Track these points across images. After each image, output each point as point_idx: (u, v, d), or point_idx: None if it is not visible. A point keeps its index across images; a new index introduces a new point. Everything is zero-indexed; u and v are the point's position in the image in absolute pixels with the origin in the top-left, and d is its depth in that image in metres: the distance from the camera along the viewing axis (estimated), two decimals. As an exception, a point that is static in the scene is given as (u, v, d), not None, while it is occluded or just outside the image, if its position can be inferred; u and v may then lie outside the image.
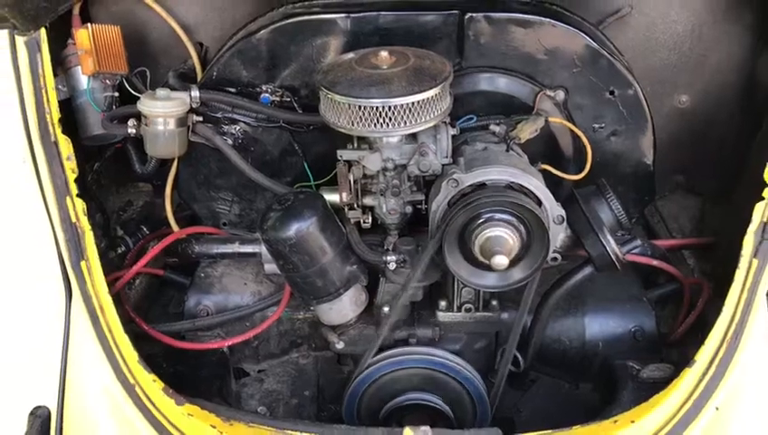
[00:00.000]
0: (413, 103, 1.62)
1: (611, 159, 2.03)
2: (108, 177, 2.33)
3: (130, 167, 2.18)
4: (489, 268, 1.66)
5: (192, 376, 1.98)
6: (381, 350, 1.88)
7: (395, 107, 1.61)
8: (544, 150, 1.97)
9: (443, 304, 1.91)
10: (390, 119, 1.63)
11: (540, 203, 1.70)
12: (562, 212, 1.71)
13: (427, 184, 1.83)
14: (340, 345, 1.93)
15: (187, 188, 2.14)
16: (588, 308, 2.01)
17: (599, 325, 2.01)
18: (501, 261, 1.61)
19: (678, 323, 2.05)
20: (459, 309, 1.91)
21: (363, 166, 1.76)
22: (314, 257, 1.76)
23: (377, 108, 1.61)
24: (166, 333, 1.99)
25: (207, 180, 2.12)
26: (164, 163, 2.16)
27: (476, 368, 1.94)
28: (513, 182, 1.68)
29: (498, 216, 1.64)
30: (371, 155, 1.74)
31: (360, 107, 1.62)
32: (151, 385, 1.68)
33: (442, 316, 1.92)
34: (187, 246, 2.08)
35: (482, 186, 1.68)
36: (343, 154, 1.76)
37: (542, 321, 1.92)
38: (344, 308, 1.87)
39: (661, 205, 2.46)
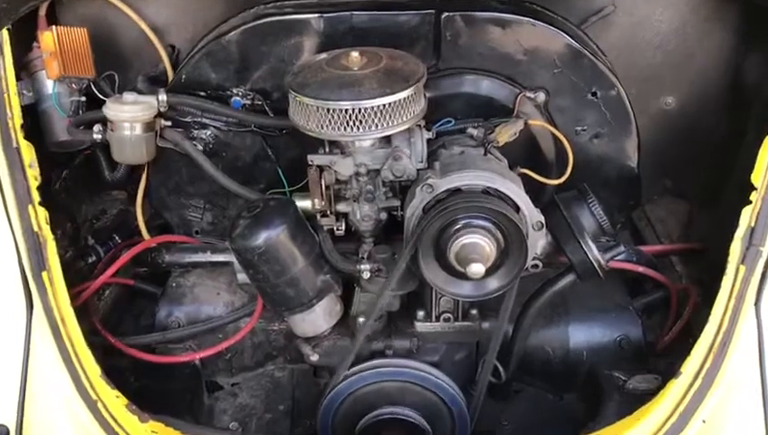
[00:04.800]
0: (384, 105, 1.55)
1: (594, 162, 1.97)
2: (78, 184, 2.26)
3: (100, 174, 2.11)
4: (465, 277, 1.59)
5: (162, 390, 1.92)
6: (357, 362, 1.81)
7: (365, 109, 1.55)
8: (525, 154, 1.91)
9: (421, 313, 1.85)
10: (361, 122, 1.56)
11: (518, 209, 1.63)
12: (541, 218, 1.65)
13: (402, 190, 1.77)
14: (314, 358, 1.86)
15: (158, 195, 2.07)
16: (572, 316, 1.96)
17: (583, 334, 1.95)
18: (477, 269, 1.54)
19: (665, 332, 1.98)
20: (438, 319, 1.84)
21: (335, 171, 1.70)
22: (285, 267, 1.70)
23: (346, 110, 1.55)
24: (134, 345, 1.92)
25: (178, 187, 2.05)
26: (135, 170, 2.10)
27: (456, 380, 1.88)
28: (489, 187, 1.62)
29: (474, 222, 1.58)
30: (343, 160, 1.68)
31: (329, 109, 1.56)
32: (114, 401, 1.61)
33: (420, 326, 1.85)
34: (156, 255, 2.02)
35: (457, 191, 1.62)
36: (314, 159, 1.69)
37: (523, 330, 1.85)
38: (318, 319, 1.80)
39: (649, 209, 2.40)
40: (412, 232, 1.64)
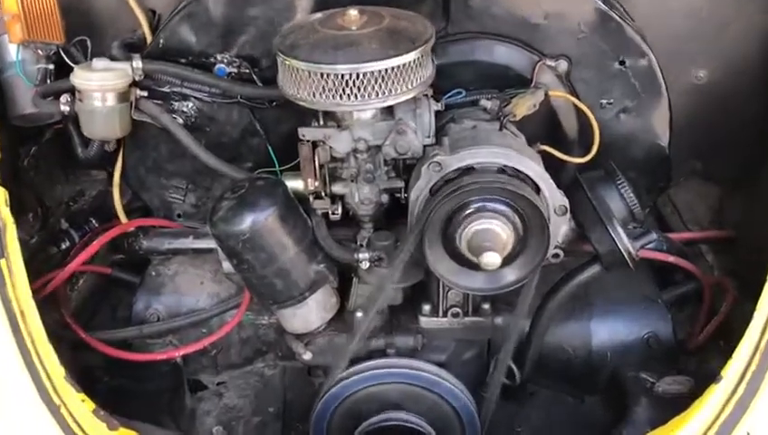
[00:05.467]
0: (387, 70, 1.36)
1: (620, 140, 1.77)
2: (50, 163, 2.06)
3: (73, 151, 1.91)
4: (478, 268, 1.39)
5: (139, 391, 1.75)
6: (354, 362, 1.62)
7: (365, 74, 1.35)
8: (543, 130, 1.70)
9: (426, 307, 1.65)
10: (360, 89, 1.36)
11: (538, 190, 1.43)
12: (565, 201, 1.45)
13: (406, 169, 1.57)
14: (307, 356, 1.67)
15: (135, 174, 1.88)
16: (595, 311, 1.76)
17: (607, 331, 1.76)
18: (492, 259, 1.34)
19: (698, 329, 1.80)
20: (445, 314, 1.65)
21: (330, 147, 1.50)
22: (273, 255, 1.50)
23: (342, 75, 1.35)
24: (107, 341, 1.73)
25: (157, 166, 1.86)
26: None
27: (466, 381, 1.69)
28: (506, 166, 1.42)
29: (489, 205, 1.38)
30: (339, 134, 1.48)
31: (322, 75, 1.36)
32: (79, 406, 1.43)
33: (425, 322, 1.66)
34: (133, 241, 1.84)
35: (470, 170, 1.42)
36: (306, 133, 1.49)
37: (541, 327, 1.66)
38: (310, 314, 1.61)
39: (674, 193, 2.19)
40: (417, 217, 1.44)
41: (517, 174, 1.43)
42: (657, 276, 1.87)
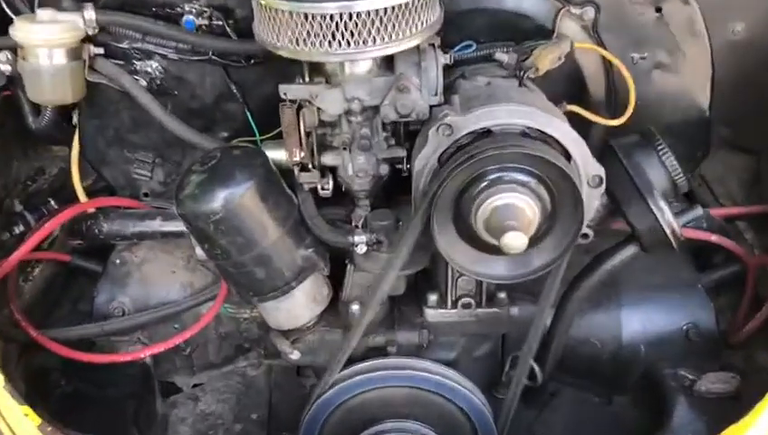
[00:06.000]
0: (386, 10, 1.12)
1: (655, 100, 1.53)
2: (3, 135, 1.81)
3: (23, 120, 1.66)
4: (499, 251, 1.16)
5: (100, 397, 1.53)
6: (351, 362, 1.39)
7: (359, 15, 1.11)
8: (565, 90, 1.46)
9: (432, 298, 1.43)
10: (353, 34, 1.12)
11: (569, 157, 1.19)
12: (601, 170, 1.22)
13: (409, 134, 1.33)
14: (294, 356, 1.44)
15: (93, 147, 1.63)
16: (625, 299, 1.54)
17: (640, 322, 1.54)
18: (516, 241, 1.10)
19: (741, 318, 1.56)
20: (455, 305, 1.42)
21: (318, 109, 1.25)
22: (252, 239, 1.26)
23: (332, 17, 1.11)
24: (63, 340, 1.49)
25: (119, 137, 1.61)
26: (67, 117, 1.65)
27: (477, 381, 1.47)
28: (530, 127, 1.18)
29: (510, 176, 1.15)
30: (329, 92, 1.23)
31: (306, 16, 1.11)
32: (22, 421, 1.22)
33: (431, 315, 1.43)
34: (93, 224, 1.59)
35: (486, 133, 1.18)
36: (288, 91, 1.25)
37: (567, 319, 1.43)
38: (298, 307, 1.38)
39: (703, 165, 1.96)
40: (424, 191, 1.21)
41: (543, 137, 1.19)
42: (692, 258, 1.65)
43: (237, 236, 1.26)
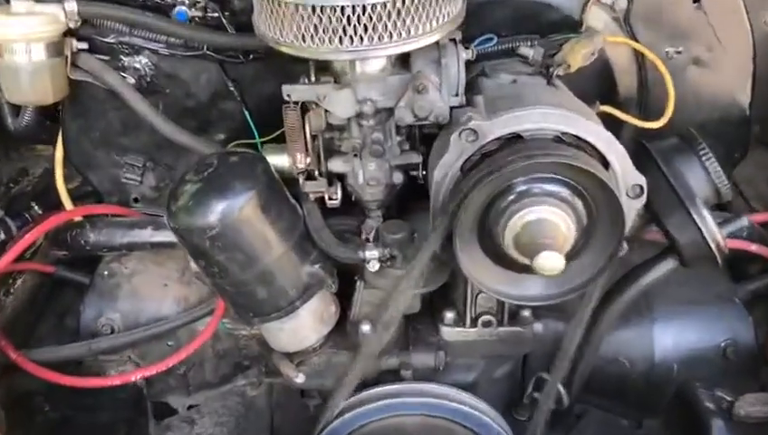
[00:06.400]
0: (404, 1, 0.99)
1: (691, 98, 1.41)
2: (-21, 136, 1.68)
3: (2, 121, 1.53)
4: (529, 270, 1.04)
5: (88, 422, 1.39)
6: (361, 387, 1.27)
7: (373, 7, 0.97)
8: (592, 86, 1.34)
9: (449, 315, 1.30)
10: (366, 29, 0.99)
11: (606, 165, 1.07)
12: (642, 180, 1.09)
13: (425, 139, 1.20)
14: (300, 379, 1.31)
15: (79, 150, 1.50)
16: (657, 314, 1.41)
17: (673, 338, 1.41)
18: (551, 262, 0.98)
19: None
20: (474, 323, 1.30)
21: (326, 111, 1.13)
22: (252, 256, 1.14)
23: (343, 9, 0.97)
24: (44, 362, 1.36)
25: (106, 139, 1.48)
26: (51, 115, 1.52)
27: (496, 402, 1.36)
28: (565, 132, 1.05)
29: (543, 187, 1.03)
30: (338, 93, 1.11)
31: (314, 8, 0.98)
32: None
33: (448, 334, 1.31)
34: (78, 233, 1.46)
35: (515, 139, 1.05)
36: (293, 92, 1.12)
37: (597, 338, 1.31)
38: (303, 328, 1.25)
39: (731, 165, 1.84)
40: (444, 203, 1.08)
41: (578, 143, 1.06)
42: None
43: (236, 253, 1.13)
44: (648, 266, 1.25)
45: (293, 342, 1.27)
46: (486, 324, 1.30)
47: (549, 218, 1.02)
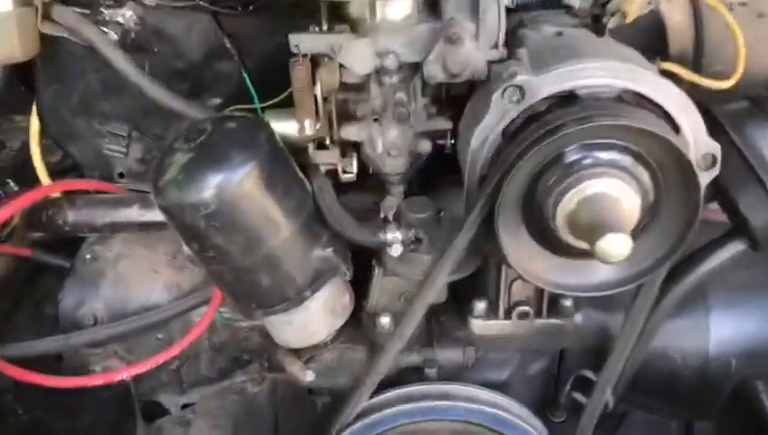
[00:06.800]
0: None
1: (756, 57, 1.22)
2: (-52, 104, 1.51)
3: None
4: (583, 255, 0.87)
5: (66, 428, 1.22)
6: (380, 387, 1.10)
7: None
8: (640, 42, 1.16)
9: (480, 305, 1.14)
10: (391, -38, 0.81)
11: (677, 129, 0.90)
12: (715, 148, 0.92)
13: (451, 101, 1.03)
14: (309, 377, 1.15)
15: (55, 117, 1.32)
16: (713, 301, 1.25)
17: (731, 330, 1.25)
18: (618, 246, 0.80)
19: None
20: (508, 314, 1.14)
21: (340, 66, 0.95)
22: (254, 238, 0.97)
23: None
24: (14, 359, 1.20)
25: (86, 105, 1.30)
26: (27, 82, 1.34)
27: (529, 401, 1.19)
28: (628, 91, 0.88)
29: (604, 156, 0.85)
30: (355, 43, 0.93)
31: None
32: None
33: (479, 327, 1.15)
34: (56, 212, 1.28)
35: (569, 98, 0.88)
36: (302, 43, 0.94)
37: (649, 332, 1.14)
38: (313, 321, 1.08)
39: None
40: (482, 176, 0.91)
41: (643, 104, 0.89)
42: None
43: (236, 235, 0.96)
44: (710, 250, 1.08)
45: (302, 337, 1.10)
46: (522, 316, 1.13)
47: (610, 193, 0.85)
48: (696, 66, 1.23)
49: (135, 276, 1.32)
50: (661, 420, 1.37)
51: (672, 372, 1.26)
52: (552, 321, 1.14)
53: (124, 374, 1.25)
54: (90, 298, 1.31)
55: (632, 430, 1.35)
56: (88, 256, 1.34)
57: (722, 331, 1.24)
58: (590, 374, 1.19)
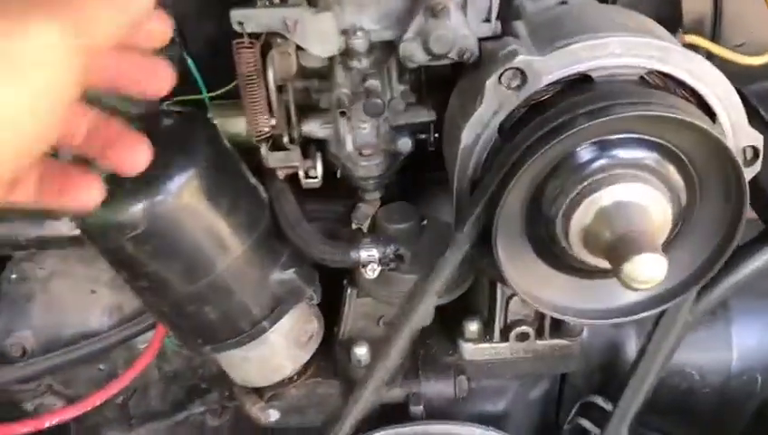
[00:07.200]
0: None
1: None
2: None
3: None
4: (604, 273, 0.70)
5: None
6: (358, 430, 0.93)
7: None
8: (651, 14, 0.99)
9: (472, 327, 0.97)
10: None
11: (713, 116, 0.73)
12: (758, 139, 0.75)
13: (436, 88, 0.85)
14: (271, 418, 0.98)
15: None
16: (735, 311, 1.10)
17: (756, 342, 1.10)
18: (649, 270, 0.64)
19: None
20: (505, 336, 0.97)
21: (297, 48, 0.77)
22: (196, 262, 0.79)
23: None
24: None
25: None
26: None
27: (530, 428, 1.03)
28: (653, 71, 0.71)
29: (628, 155, 0.68)
30: (315, 19, 0.75)
31: None
32: None
33: (471, 352, 0.98)
34: (-29, 226, 1.09)
35: (580, 82, 0.70)
36: (247, 19, 0.76)
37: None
38: (275, 356, 0.91)
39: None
40: (475, 182, 0.73)
41: (668, 87, 0.72)
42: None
43: (173, 260, 0.78)
44: (742, 256, 0.92)
45: (263, 374, 0.93)
46: (522, 338, 0.97)
47: (636, 201, 0.68)
48: (714, 35, 1.07)
49: (70, 298, 1.13)
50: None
51: (689, 390, 1.11)
52: (557, 342, 0.98)
53: (62, 417, 1.07)
54: (17, 325, 1.12)
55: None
56: (14, 276, 1.15)
57: (746, 343, 1.10)
58: (598, 401, 1.03)
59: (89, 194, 0.53)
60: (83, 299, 1.14)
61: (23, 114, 0.41)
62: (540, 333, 0.97)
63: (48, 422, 1.05)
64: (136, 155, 0.54)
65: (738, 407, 1.11)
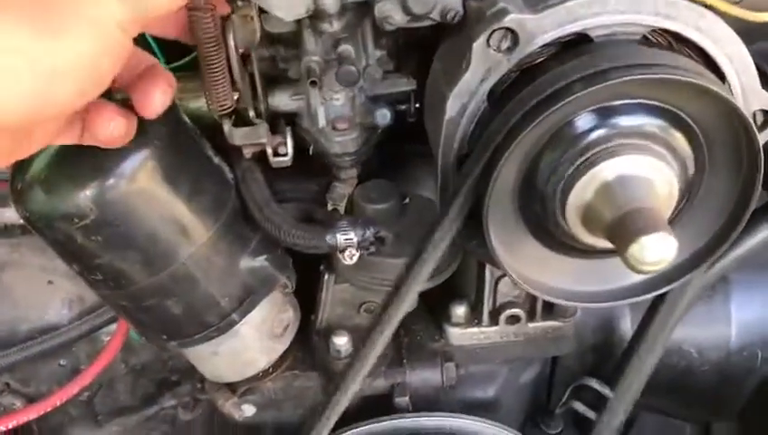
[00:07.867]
0: None
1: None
2: None
3: None
4: (605, 253, 0.64)
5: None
6: (339, 424, 0.87)
7: None
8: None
9: (459, 311, 0.91)
10: None
11: (723, 77, 0.66)
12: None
13: (416, 52, 0.78)
14: (246, 413, 0.91)
15: None
16: (734, 284, 1.04)
17: (755, 317, 1.05)
18: (657, 251, 0.57)
19: None
20: (494, 319, 0.91)
21: (261, 11, 0.69)
22: (155, 252, 0.72)
23: None
24: None
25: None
26: None
27: (520, 412, 0.98)
28: (657, 29, 0.64)
29: (632, 122, 0.61)
30: (279, -22, 0.67)
31: None
32: None
33: (458, 337, 0.92)
34: None
35: (576, 44, 0.63)
36: (203, -21, 0.67)
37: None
38: (247, 349, 0.84)
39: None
40: (462, 156, 0.66)
41: (672, 47, 0.65)
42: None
43: (128, 250, 0.70)
44: (747, 227, 0.86)
45: (235, 369, 0.86)
46: (512, 320, 0.91)
47: (640, 175, 0.62)
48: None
49: (25, 290, 1.06)
50: (675, 422, 1.17)
51: (688, 369, 1.06)
52: (549, 324, 0.92)
53: (21, 418, 0.99)
54: (-32, 321, 1.05)
55: (644, 432, 1.15)
56: (-37, 268, 1.07)
57: (745, 318, 1.05)
58: (593, 383, 0.98)
59: (114, 126, 0.62)
60: (39, 291, 1.06)
61: (87, 66, 0.52)
62: (531, 316, 0.91)
63: (7, 424, 0.97)
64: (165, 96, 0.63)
65: (738, 384, 1.06)
